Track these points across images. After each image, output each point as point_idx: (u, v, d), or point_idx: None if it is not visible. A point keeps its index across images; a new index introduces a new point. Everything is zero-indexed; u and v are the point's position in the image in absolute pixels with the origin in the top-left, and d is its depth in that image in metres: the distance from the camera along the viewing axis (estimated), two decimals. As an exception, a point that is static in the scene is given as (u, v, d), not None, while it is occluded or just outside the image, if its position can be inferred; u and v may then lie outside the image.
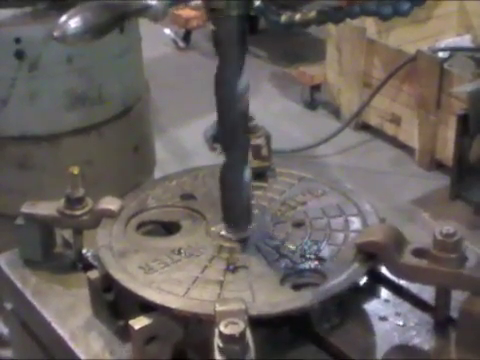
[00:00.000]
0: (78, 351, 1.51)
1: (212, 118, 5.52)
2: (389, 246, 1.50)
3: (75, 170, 1.67)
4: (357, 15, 1.48)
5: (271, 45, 5.67)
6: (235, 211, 1.61)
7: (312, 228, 1.63)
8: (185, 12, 5.51)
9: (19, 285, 1.70)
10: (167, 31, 5.76)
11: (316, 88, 4.80)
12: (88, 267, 1.71)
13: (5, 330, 2.53)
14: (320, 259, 1.54)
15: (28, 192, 2.34)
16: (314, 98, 4.81)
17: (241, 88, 1.55)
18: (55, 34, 1.19)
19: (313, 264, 1.52)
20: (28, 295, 1.67)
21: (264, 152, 1.84)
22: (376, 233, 1.54)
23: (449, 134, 4.01)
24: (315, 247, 1.57)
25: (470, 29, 4.93)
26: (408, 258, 1.49)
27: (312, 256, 1.54)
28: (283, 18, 1.52)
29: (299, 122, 4.81)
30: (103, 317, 1.57)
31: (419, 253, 1.50)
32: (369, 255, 1.53)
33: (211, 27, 1.47)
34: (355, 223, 1.64)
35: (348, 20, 4.22)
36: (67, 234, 1.81)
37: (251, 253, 1.57)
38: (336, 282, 1.46)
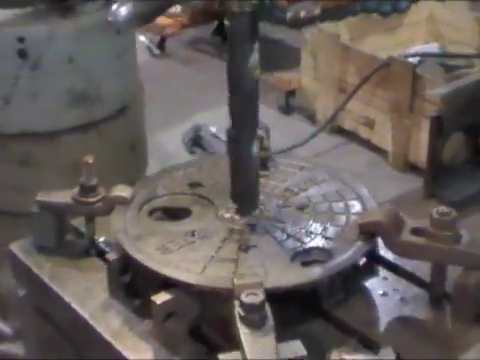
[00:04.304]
0: (99, 329, 1.59)
1: (189, 123, 5.60)
2: (389, 226, 1.61)
3: (90, 159, 1.76)
4: (358, 12, 1.60)
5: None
6: (244, 187, 1.71)
7: (315, 211, 1.74)
8: (160, 19, 5.59)
9: (36, 270, 1.77)
10: (142, 38, 5.85)
11: (291, 94, 4.92)
12: (101, 253, 1.80)
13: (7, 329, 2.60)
14: (326, 238, 1.65)
15: (29, 189, 2.40)
16: (289, 103, 4.93)
17: (252, 72, 1.62)
18: (109, 19, 1.28)
19: (320, 243, 1.63)
20: (45, 279, 1.74)
21: (265, 143, 1.94)
22: (377, 214, 1.65)
23: (422, 137, 4.15)
24: (320, 228, 1.68)
25: (439, 37, 5.10)
26: (407, 236, 1.60)
27: (318, 236, 1.65)
28: (289, 15, 1.63)
29: (275, 127, 4.89)
30: (120, 298, 1.65)
31: (417, 232, 1.61)
32: (370, 234, 1.64)
33: (226, 22, 1.56)
34: (355, 206, 1.75)
35: (323, 27, 4.39)
36: (77, 223, 1.90)
37: (260, 234, 1.67)
38: (342, 259, 1.57)
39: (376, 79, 4.33)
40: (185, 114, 4.98)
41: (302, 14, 1.48)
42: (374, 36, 4.80)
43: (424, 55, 4.48)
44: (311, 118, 4.93)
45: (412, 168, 4.37)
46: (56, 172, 2.44)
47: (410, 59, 4.37)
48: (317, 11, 1.46)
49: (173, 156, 4.57)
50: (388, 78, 4.28)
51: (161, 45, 5.75)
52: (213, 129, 4.59)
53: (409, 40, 5.00)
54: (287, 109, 4.93)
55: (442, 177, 3.92)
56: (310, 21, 1.50)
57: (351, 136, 4.73)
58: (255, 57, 1.60)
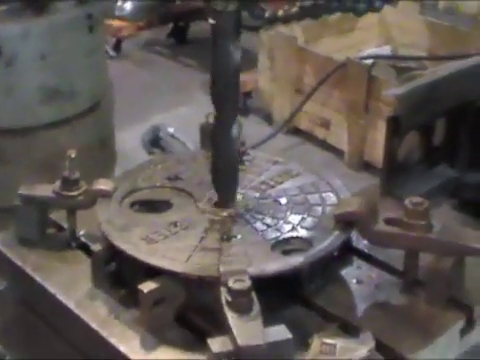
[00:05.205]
0: (86, 318, 1.62)
1: (147, 124, 5.60)
2: (364, 216, 1.69)
3: (72, 153, 1.80)
4: (334, 11, 1.67)
5: (200, 54, 5.84)
6: (224, 172, 1.76)
7: (292, 203, 1.81)
8: (115, 21, 5.59)
9: (19, 262, 1.80)
10: (98, 40, 5.85)
11: (248, 95, 4.99)
12: (82, 246, 1.84)
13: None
14: (304, 228, 1.72)
15: (2, 185, 2.43)
16: (246, 104, 4.99)
17: (234, 68, 1.66)
18: (116, 13, 1.31)
19: (299, 233, 1.70)
20: (29, 271, 1.77)
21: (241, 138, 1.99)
22: (352, 204, 1.72)
23: (377, 136, 4.25)
24: (298, 218, 1.74)
25: (390, 40, 5.23)
26: (382, 226, 1.68)
27: (297, 226, 1.72)
28: (267, 14, 1.69)
29: (232, 128, 4.98)
30: (105, 287, 1.69)
31: (391, 221, 1.69)
32: (346, 224, 1.71)
33: (210, 21, 1.61)
34: (330, 198, 1.83)
35: (279, 29, 4.44)
36: (56, 217, 1.93)
37: (241, 225, 1.73)
38: (321, 247, 1.64)
39: (332, 80, 4.42)
40: (141, 115, 5.00)
41: (280, 13, 1.55)
42: (328, 39, 4.91)
43: (379, 57, 4.59)
44: (267, 119, 5.00)
45: (367, 167, 4.48)
46: (29, 168, 2.47)
47: (365, 61, 4.48)
48: (294, 10, 1.53)
49: (131, 157, 4.58)
50: (344, 79, 4.37)
51: (117, 47, 5.75)
52: (171, 130, 4.63)
53: (361, 43, 5.12)
54: (244, 110, 4.99)
55: (397, 176, 4.02)
56: (288, 20, 1.57)
57: (307, 136, 4.82)
58: (238, 54, 1.65)
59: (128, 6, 1.45)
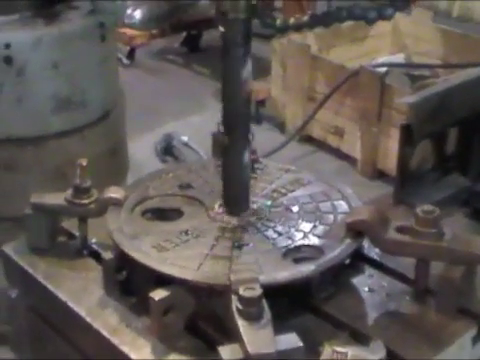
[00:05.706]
0: (97, 326, 1.62)
1: (160, 132, 5.61)
2: (376, 224, 1.68)
3: (84, 162, 1.80)
4: (345, 19, 1.67)
5: (213, 63, 5.85)
6: (235, 192, 1.77)
7: (304, 211, 1.81)
8: (129, 30, 5.61)
9: (30, 270, 1.81)
10: (111, 49, 5.86)
11: (261, 103, 4.98)
12: (93, 253, 1.85)
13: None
14: (315, 236, 1.71)
15: (13, 194, 2.44)
16: (259, 113, 5.00)
17: (245, 76, 1.67)
18: (126, 21, 1.32)
19: (310, 241, 1.70)
20: (40, 279, 1.78)
21: (252, 146, 1.99)
22: (363, 213, 1.72)
23: (390, 144, 4.25)
24: (310, 226, 1.74)
25: (403, 48, 5.22)
26: (392, 234, 1.68)
27: (308, 234, 1.72)
28: (278, 22, 1.69)
29: (245, 136, 4.98)
30: (116, 295, 1.69)
31: (402, 230, 1.69)
32: (358, 232, 1.71)
33: (220, 29, 1.62)
34: (341, 206, 1.82)
35: (292, 37, 4.46)
36: (67, 225, 1.94)
37: (252, 233, 1.73)
38: (332, 255, 1.64)
39: (345, 88, 4.41)
40: (154, 123, 5.02)
41: (291, 21, 1.54)
42: (341, 47, 4.90)
43: (392, 65, 4.58)
44: (280, 127, 5.00)
45: (380, 175, 4.47)
46: (40, 176, 2.47)
47: (378, 69, 4.47)
48: (305, 19, 1.52)
49: (144, 165, 4.59)
50: (357, 87, 4.37)
51: (131, 55, 5.77)
52: (185, 138, 4.64)
53: (375, 51, 5.11)
54: (257, 119, 4.99)
55: (409, 184, 4.01)
56: (298, 28, 1.56)
57: (319, 144, 4.81)
58: (248, 66, 1.65)
59: (138, 14, 1.45)
